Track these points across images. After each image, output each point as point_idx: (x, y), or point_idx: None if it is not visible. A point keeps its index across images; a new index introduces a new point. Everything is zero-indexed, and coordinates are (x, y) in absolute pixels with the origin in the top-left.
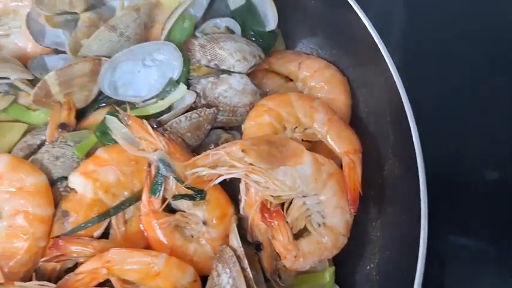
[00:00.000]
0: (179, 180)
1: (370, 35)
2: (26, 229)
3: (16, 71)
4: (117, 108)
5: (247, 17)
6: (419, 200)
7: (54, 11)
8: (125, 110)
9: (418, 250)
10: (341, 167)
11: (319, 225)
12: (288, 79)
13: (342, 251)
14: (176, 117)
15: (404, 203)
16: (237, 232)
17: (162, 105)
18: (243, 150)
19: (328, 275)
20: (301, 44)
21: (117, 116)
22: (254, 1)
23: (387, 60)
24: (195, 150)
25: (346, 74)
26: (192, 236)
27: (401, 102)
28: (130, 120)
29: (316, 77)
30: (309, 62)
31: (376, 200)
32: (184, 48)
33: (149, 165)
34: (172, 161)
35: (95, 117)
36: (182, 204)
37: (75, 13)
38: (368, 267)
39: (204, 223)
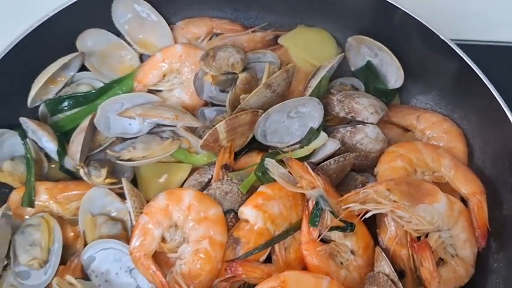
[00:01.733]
0: (334, 213)
1: (490, 91)
2: (210, 253)
3: (193, 120)
4: (280, 151)
5: (369, 76)
6: None
7: (219, 71)
8: (272, 154)
9: None
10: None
11: (453, 256)
12: (405, 129)
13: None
14: (324, 160)
15: None
16: (387, 260)
17: (309, 149)
18: (388, 189)
19: None
20: (415, 100)
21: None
22: (374, 63)
23: (508, 113)
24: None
25: (461, 125)
26: (342, 263)
27: None
28: (292, 162)
29: (434, 128)
30: (426, 116)
31: (497, 235)
32: (323, 102)
33: (307, 201)
34: (328, 197)
35: (246, 159)
36: (334, 235)
37: (234, 73)
38: None
39: (352, 252)
